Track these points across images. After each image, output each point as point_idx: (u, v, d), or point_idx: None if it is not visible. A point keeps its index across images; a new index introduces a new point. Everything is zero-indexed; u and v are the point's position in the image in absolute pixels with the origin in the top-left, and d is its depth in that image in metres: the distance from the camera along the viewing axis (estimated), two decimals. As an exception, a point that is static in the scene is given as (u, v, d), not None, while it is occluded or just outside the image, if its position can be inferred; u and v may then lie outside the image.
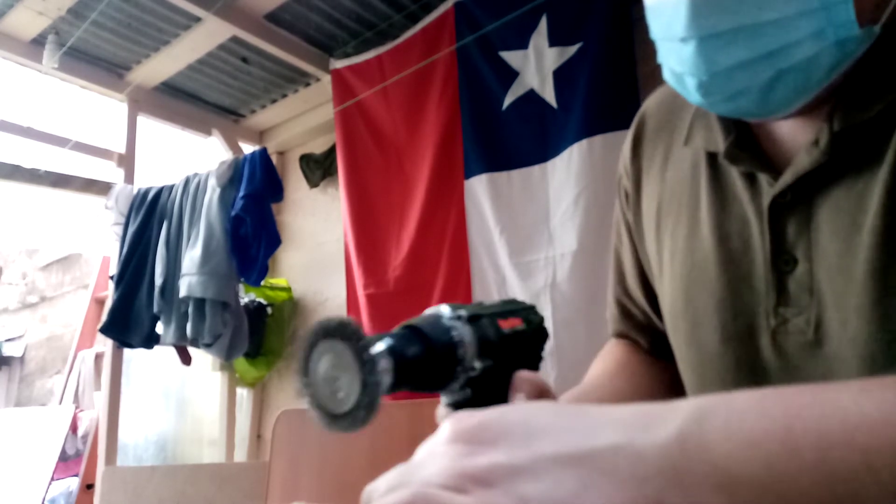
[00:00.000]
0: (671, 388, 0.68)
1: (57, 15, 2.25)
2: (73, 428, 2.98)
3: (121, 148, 2.67)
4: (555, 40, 1.92)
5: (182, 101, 2.84)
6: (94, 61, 2.56)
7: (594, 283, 1.75)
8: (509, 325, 0.45)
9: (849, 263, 0.47)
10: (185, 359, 2.53)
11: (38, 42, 2.37)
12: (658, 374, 0.71)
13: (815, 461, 0.25)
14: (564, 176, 1.84)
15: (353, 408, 0.36)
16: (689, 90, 0.51)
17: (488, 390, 0.43)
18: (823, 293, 0.49)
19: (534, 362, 0.48)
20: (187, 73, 2.64)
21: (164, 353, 2.58)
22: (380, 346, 0.38)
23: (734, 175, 0.57)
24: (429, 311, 0.43)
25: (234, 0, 2.21)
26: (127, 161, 2.67)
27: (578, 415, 0.31)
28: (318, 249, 2.89)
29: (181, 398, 3.21)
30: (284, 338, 2.82)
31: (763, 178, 0.54)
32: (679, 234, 0.62)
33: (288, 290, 2.89)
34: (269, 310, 2.78)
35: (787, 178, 0.51)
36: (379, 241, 2.26)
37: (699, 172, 0.60)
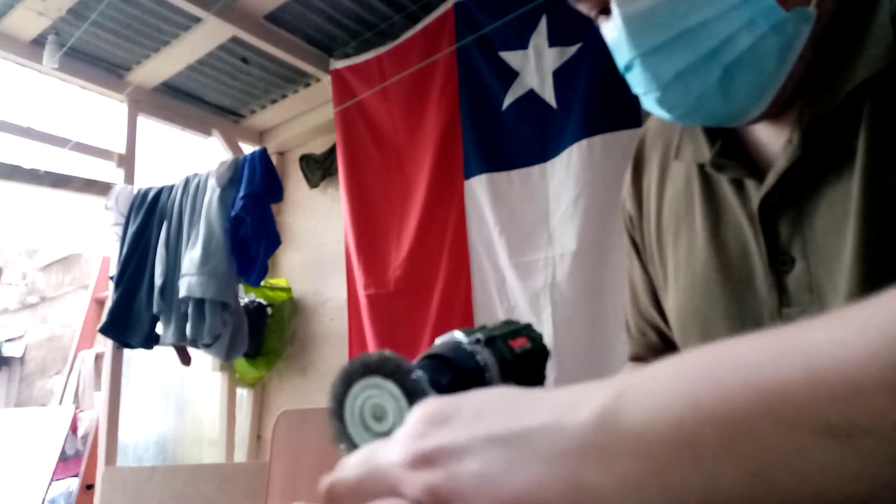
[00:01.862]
0: None
1: (57, 15, 2.25)
2: (73, 428, 2.98)
3: (121, 148, 2.67)
4: (555, 40, 1.92)
5: (182, 101, 2.84)
6: (94, 61, 2.56)
7: (594, 283, 1.75)
8: (519, 345, 0.46)
9: (844, 255, 0.48)
10: (185, 359, 2.53)
11: (38, 42, 2.37)
12: None
13: (714, 411, 0.25)
14: (564, 176, 1.84)
15: None
16: (656, 109, 0.53)
17: None
18: (823, 289, 0.50)
19: (541, 380, 0.49)
20: (187, 74, 2.64)
21: (164, 354, 2.58)
22: (421, 379, 0.38)
23: (724, 184, 0.58)
24: (444, 338, 0.44)
25: (234, 0, 2.21)
26: (127, 161, 2.67)
27: (524, 398, 0.31)
28: (318, 250, 2.89)
29: (181, 398, 3.21)
30: (284, 338, 2.82)
31: (750, 184, 0.55)
32: (680, 247, 0.63)
33: (288, 290, 2.89)
34: (269, 310, 2.78)
35: (770, 179, 0.52)
36: (379, 242, 2.26)
37: (692, 185, 0.62)
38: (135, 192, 2.58)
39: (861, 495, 0.22)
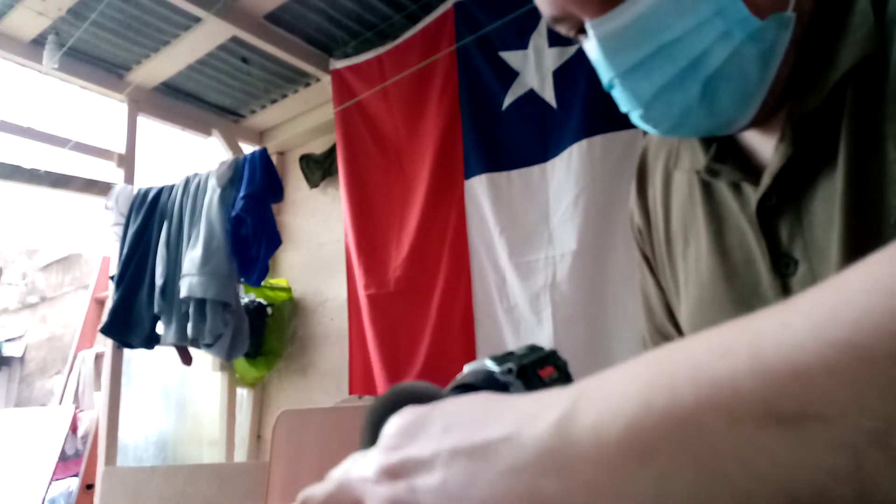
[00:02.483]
0: None
1: (57, 15, 2.25)
2: (73, 428, 2.98)
3: (121, 148, 2.67)
4: (555, 40, 1.92)
5: (182, 101, 2.84)
6: (94, 61, 2.56)
7: (594, 283, 1.75)
8: (547, 374, 0.46)
9: (834, 251, 0.47)
10: (186, 359, 2.54)
11: (38, 42, 2.37)
12: None
13: (664, 408, 0.24)
14: (564, 176, 1.84)
15: None
16: (642, 125, 0.53)
17: None
18: None
19: None
20: (187, 74, 2.64)
21: (165, 353, 2.58)
22: None
23: (724, 189, 0.58)
24: (473, 366, 0.43)
25: (234, 0, 2.21)
26: (127, 161, 2.67)
27: (493, 406, 0.31)
28: (318, 250, 2.89)
29: (181, 398, 3.21)
30: (284, 338, 2.83)
31: (748, 187, 0.55)
32: (689, 256, 0.62)
33: (288, 290, 2.89)
34: (270, 310, 2.78)
35: (765, 180, 0.52)
36: (379, 242, 2.26)
37: (694, 193, 0.61)
38: (135, 192, 2.58)
39: (816, 486, 0.21)
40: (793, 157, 0.49)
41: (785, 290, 0.52)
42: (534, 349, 0.48)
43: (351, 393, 2.29)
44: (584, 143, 1.80)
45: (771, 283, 0.53)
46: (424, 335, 2.08)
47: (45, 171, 2.48)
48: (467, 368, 0.43)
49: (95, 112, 2.76)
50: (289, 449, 2.05)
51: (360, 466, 0.33)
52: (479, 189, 2.03)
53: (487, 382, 0.41)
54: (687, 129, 0.53)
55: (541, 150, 1.92)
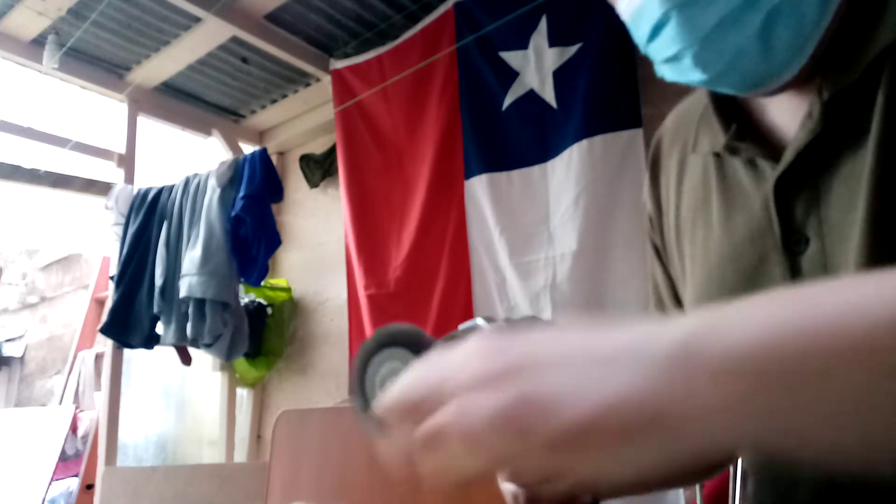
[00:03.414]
0: None
1: (57, 15, 2.25)
2: (73, 428, 2.98)
3: (121, 148, 2.67)
4: (555, 40, 1.92)
5: (182, 101, 2.84)
6: (94, 61, 2.56)
7: (594, 283, 1.75)
8: None
9: (855, 232, 0.47)
10: (186, 359, 2.53)
11: (38, 42, 2.37)
12: None
13: (816, 341, 0.25)
14: (564, 176, 1.84)
15: None
16: (689, 71, 0.51)
17: None
18: (838, 268, 0.49)
19: None
20: (187, 74, 2.64)
21: (164, 354, 2.58)
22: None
23: (739, 169, 0.57)
24: (466, 324, 0.44)
25: (234, 0, 2.21)
26: (127, 161, 2.67)
27: (592, 333, 0.31)
28: (318, 250, 2.89)
29: (181, 398, 3.21)
30: (284, 338, 2.82)
31: (765, 165, 0.54)
32: (697, 240, 0.62)
33: (288, 290, 2.89)
34: (269, 310, 2.78)
35: (787, 155, 0.51)
36: (379, 242, 2.26)
37: (709, 176, 0.61)
38: (135, 192, 2.58)
39: None
40: (819, 135, 0.49)
41: (793, 269, 0.51)
42: (531, 317, 0.49)
43: (351, 393, 2.29)
44: (584, 143, 1.80)
45: (779, 261, 0.52)
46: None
47: (45, 171, 2.48)
48: (461, 327, 0.44)
49: (95, 112, 2.76)
50: (289, 449, 2.05)
51: (450, 370, 0.32)
52: (479, 189, 2.03)
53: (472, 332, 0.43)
54: (734, 77, 0.50)
55: (541, 150, 1.92)
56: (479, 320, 0.44)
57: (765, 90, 0.52)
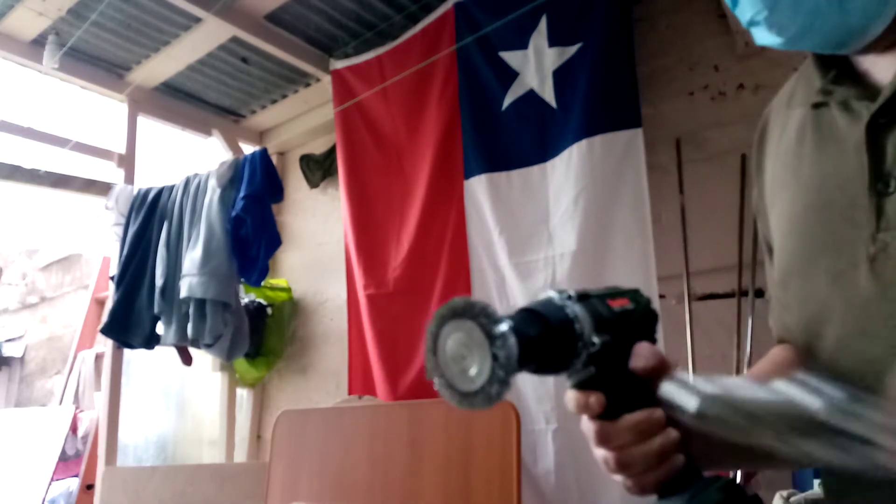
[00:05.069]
0: None
1: (57, 15, 2.25)
2: (73, 428, 2.98)
3: (121, 148, 2.67)
4: (555, 40, 1.92)
5: (182, 101, 2.84)
6: (94, 61, 2.56)
7: (594, 283, 1.74)
8: (618, 304, 0.48)
9: None
10: (186, 359, 2.53)
11: (39, 42, 2.37)
12: None
13: None
14: (564, 176, 1.84)
15: (485, 384, 0.39)
16: (766, 35, 0.51)
17: (610, 366, 0.46)
18: None
19: (648, 339, 0.50)
20: (187, 74, 2.64)
21: (165, 354, 2.58)
22: (504, 326, 0.40)
23: (834, 115, 0.57)
24: (539, 297, 0.46)
25: (234, 0, 2.21)
26: (127, 161, 2.67)
27: None
28: (318, 250, 2.89)
29: (181, 398, 3.21)
30: (284, 338, 2.82)
31: (862, 106, 0.54)
32: (785, 196, 0.62)
33: (288, 290, 2.89)
34: (270, 310, 2.78)
35: (886, 91, 0.51)
36: (379, 242, 2.26)
37: (804, 130, 0.61)
38: (135, 192, 2.58)
39: None
40: None
41: (878, 210, 0.51)
42: (611, 288, 0.50)
43: (350, 393, 2.29)
44: (583, 143, 1.80)
45: (866, 203, 0.52)
46: (424, 335, 2.08)
47: (45, 171, 2.48)
48: (535, 299, 0.46)
49: (95, 112, 2.76)
50: (289, 449, 2.05)
51: None
52: (478, 189, 2.03)
53: (545, 306, 0.44)
54: (812, 37, 0.51)
55: (541, 150, 1.92)
56: (551, 292, 0.46)
57: (849, 50, 0.53)
